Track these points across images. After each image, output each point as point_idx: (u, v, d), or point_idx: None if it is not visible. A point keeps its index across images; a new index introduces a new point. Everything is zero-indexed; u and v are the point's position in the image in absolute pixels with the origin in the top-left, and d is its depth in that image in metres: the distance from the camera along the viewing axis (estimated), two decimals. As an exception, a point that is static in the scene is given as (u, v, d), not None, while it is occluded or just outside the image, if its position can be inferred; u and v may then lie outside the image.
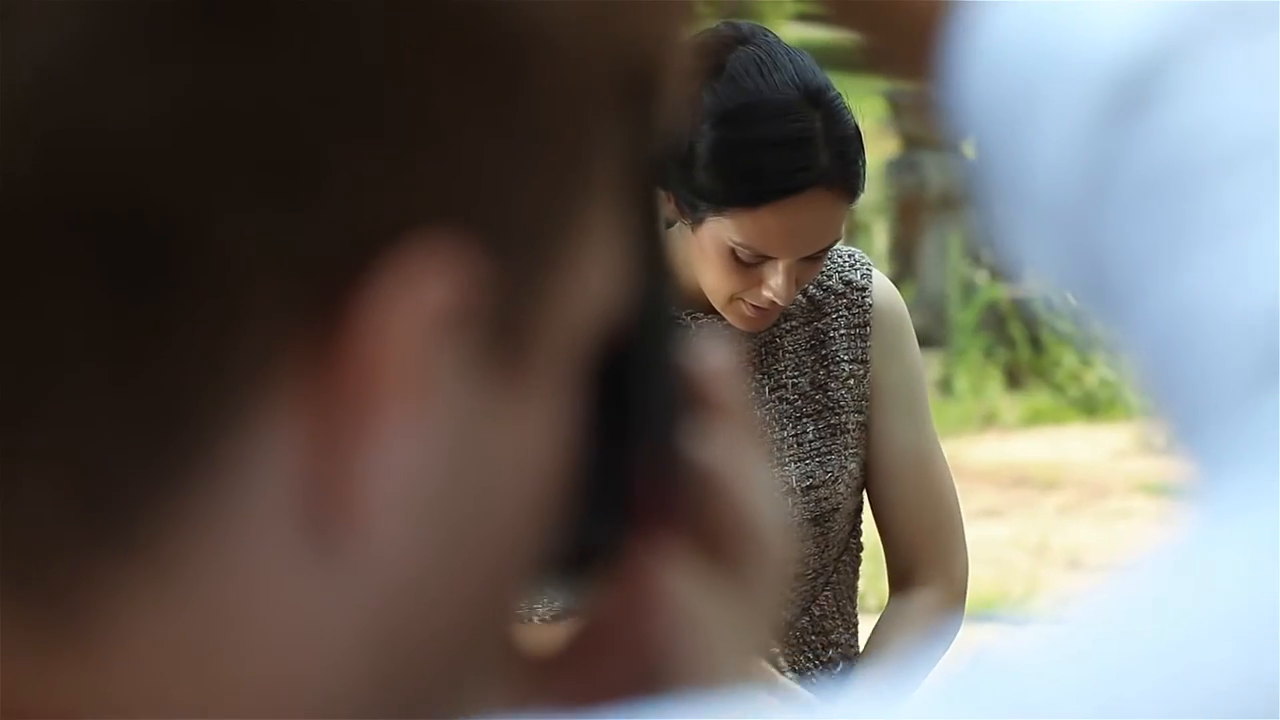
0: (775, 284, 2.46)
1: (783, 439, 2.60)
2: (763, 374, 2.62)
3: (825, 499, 2.60)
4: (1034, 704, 0.43)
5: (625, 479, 0.51)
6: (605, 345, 0.48)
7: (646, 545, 0.52)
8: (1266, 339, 0.50)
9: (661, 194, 0.51)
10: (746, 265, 2.47)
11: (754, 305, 2.50)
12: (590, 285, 0.47)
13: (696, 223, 2.48)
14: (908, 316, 2.72)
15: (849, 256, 2.69)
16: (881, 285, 2.69)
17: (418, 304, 0.43)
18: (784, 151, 2.41)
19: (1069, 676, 0.43)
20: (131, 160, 0.41)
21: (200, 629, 0.43)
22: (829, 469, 2.60)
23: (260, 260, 0.42)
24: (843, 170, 2.45)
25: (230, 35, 0.41)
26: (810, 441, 2.61)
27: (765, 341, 2.62)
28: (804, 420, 2.62)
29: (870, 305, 2.65)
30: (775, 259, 2.46)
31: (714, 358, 0.54)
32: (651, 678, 0.51)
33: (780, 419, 2.61)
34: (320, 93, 0.42)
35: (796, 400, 2.62)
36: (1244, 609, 0.44)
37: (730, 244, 2.46)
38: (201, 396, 0.42)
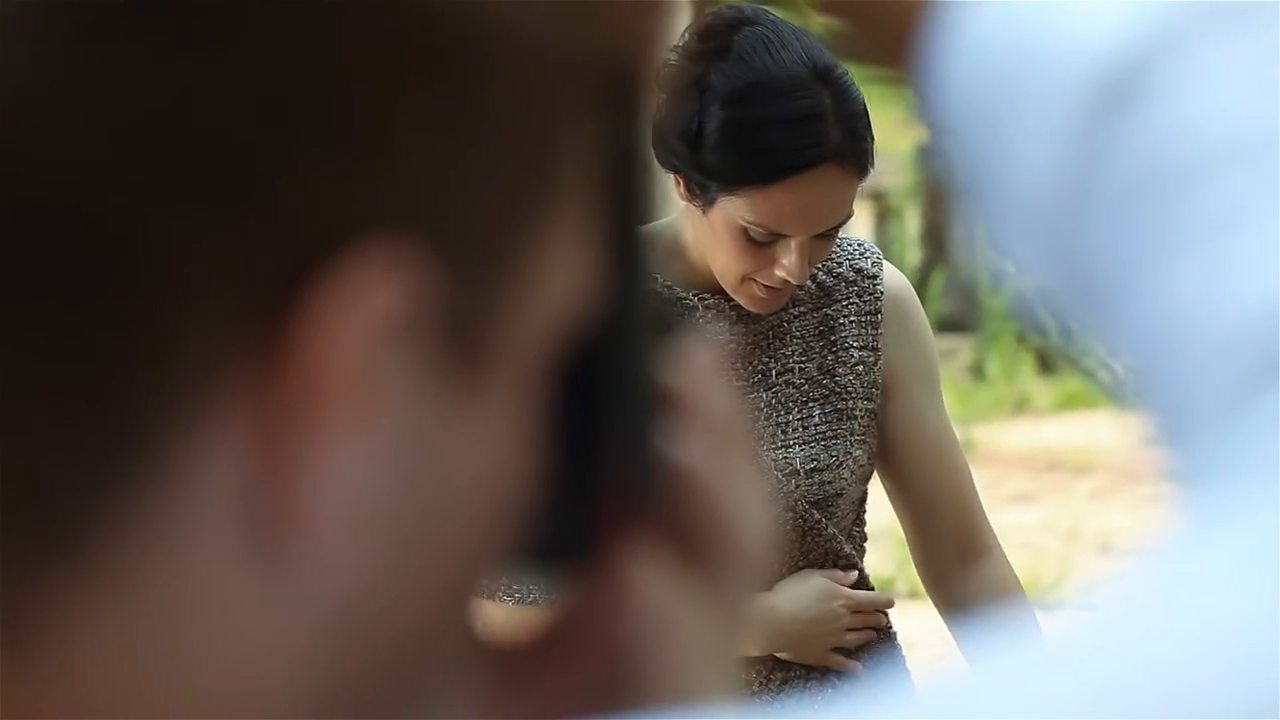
0: (788, 262, 2.47)
1: (788, 422, 2.62)
2: (770, 358, 2.63)
3: (829, 483, 2.61)
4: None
5: (598, 478, 0.50)
6: (573, 347, 0.47)
7: (619, 545, 0.51)
8: (1253, 344, 0.49)
9: (639, 193, 0.50)
10: (759, 245, 2.47)
11: (766, 285, 2.51)
12: (554, 289, 0.46)
13: (707, 204, 2.49)
14: (919, 304, 2.74)
15: (858, 245, 2.71)
16: (891, 274, 2.70)
17: (366, 312, 0.42)
18: (795, 128, 2.41)
19: (1059, 689, 0.43)
20: (71, 168, 0.40)
21: (150, 639, 0.43)
22: (834, 453, 2.61)
23: (203, 269, 0.41)
24: (853, 146, 2.45)
25: (172, 37, 0.40)
26: (816, 425, 2.62)
27: (773, 325, 2.63)
28: (810, 404, 2.63)
29: (881, 293, 2.66)
30: (788, 237, 2.47)
31: (696, 358, 0.53)
32: (621, 676, 0.51)
33: (787, 402, 2.62)
34: (264, 96, 0.41)
35: (803, 384, 2.63)
36: (1232, 617, 0.43)
37: (743, 223, 2.46)
38: (145, 407, 0.41)
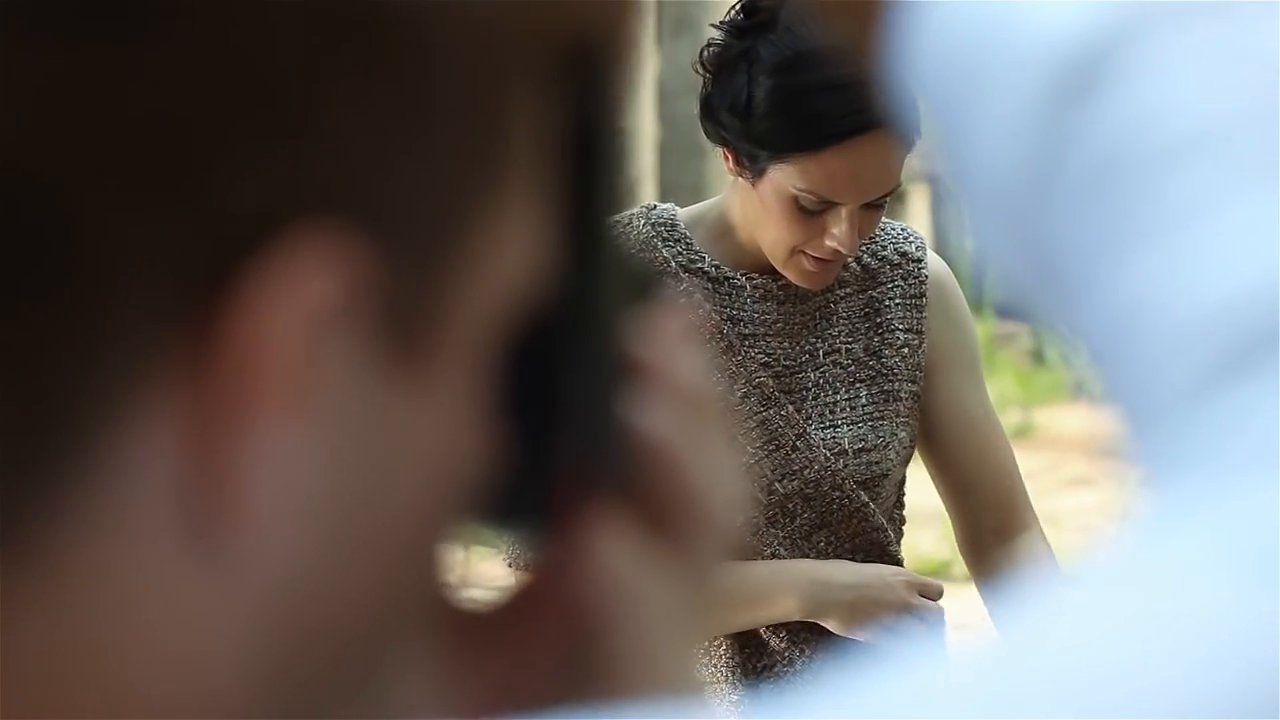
0: (839, 231, 2.48)
1: (835, 402, 2.63)
2: (817, 338, 2.64)
3: (876, 463, 2.62)
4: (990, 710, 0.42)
5: (557, 450, 0.50)
6: (528, 321, 0.47)
7: (581, 515, 0.51)
8: (1214, 338, 0.48)
9: (603, 165, 0.49)
10: (809, 214, 2.48)
11: (815, 257, 2.51)
12: (503, 269, 0.46)
13: (757, 175, 2.49)
14: (959, 289, 2.74)
15: (901, 229, 2.72)
16: (934, 258, 2.71)
17: (299, 300, 0.42)
18: (845, 93, 2.40)
19: (1010, 688, 0.43)
20: (4, 149, 0.40)
21: (90, 627, 0.42)
22: (880, 434, 2.62)
23: (134, 256, 0.40)
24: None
25: (101, 25, 0.40)
26: (863, 406, 2.63)
27: (820, 306, 2.64)
28: (857, 385, 2.64)
29: (926, 277, 2.67)
30: (838, 206, 2.47)
31: (666, 326, 0.53)
32: (584, 646, 0.51)
33: (834, 383, 2.63)
34: (195, 83, 0.40)
35: (850, 365, 2.64)
36: (1191, 613, 0.43)
37: (794, 191, 2.47)
38: (79, 396, 0.41)
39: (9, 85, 0.39)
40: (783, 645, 2.64)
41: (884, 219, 2.65)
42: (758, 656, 2.64)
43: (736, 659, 2.63)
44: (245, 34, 0.41)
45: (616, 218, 0.50)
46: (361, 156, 0.42)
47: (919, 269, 2.67)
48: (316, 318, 0.42)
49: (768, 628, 2.62)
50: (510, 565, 2.42)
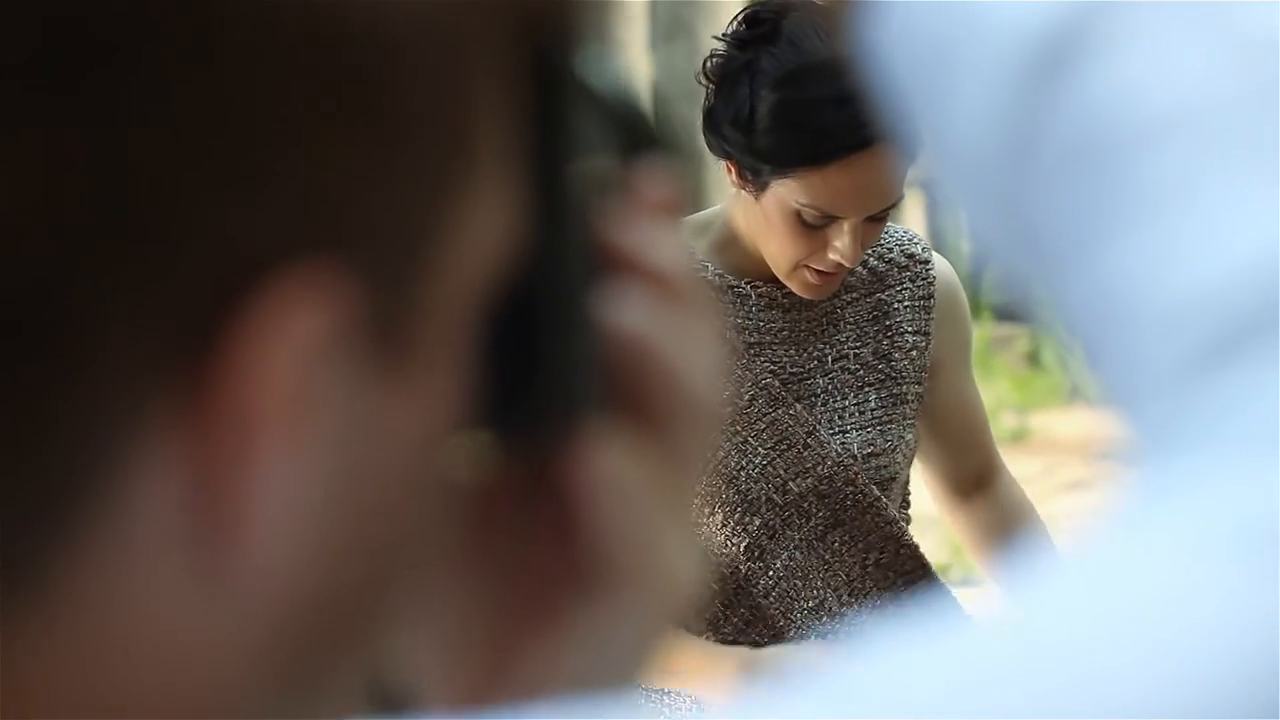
0: (841, 244, 2.49)
1: (844, 407, 2.64)
2: (825, 344, 2.65)
3: (885, 467, 2.64)
4: (967, 696, 0.43)
5: (542, 377, 0.51)
6: (503, 289, 0.48)
7: (574, 427, 0.51)
8: (1199, 322, 0.48)
9: (565, 131, 0.50)
10: (812, 228, 2.49)
11: (819, 271, 2.52)
12: (475, 254, 0.47)
13: (760, 189, 2.50)
14: (961, 286, 2.78)
15: (905, 232, 2.74)
16: (940, 260, 2.74)
17: (290, 335, 0.43)
18: (847, 108, 2.41)
19: (1001, 667, 0.43)
20: None
21: (102, 657, 0.44)
22: (889, 438, 2.64)
23: (125, 313, 0.42)
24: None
25: (75, 97, 0.41)
26: (872, 410, 2.65)
27: (827, 312, 2.65)
28: (866, 389, 2.66)
29: (934, 278, 2.70)
30: (841, 220, 2.49)
31: (638, 211, 0.53)
32: (584, 545, 0.51)
33: (843, 388, 2.65)
34: (170, 145, 0.41)
35: (859, 370, 2.66)
36: (1173, 609, 0.43)
37: (796, 206, 2.48)
38: (82, 445, 0.42)
39: None
40: (830, 584, 2.65)
41: (889, 228, 2.68)
42: (760, 625, 2.64)
43: (786, 593, 2.63)
44: (214, 96, 0.42)
45: (583, 167, 0.51)
46: (336, 190, 0.43)
47: (926, 270, 2.70)
48: (306, 349, 0.43)
49: (766, 597, 2.62)
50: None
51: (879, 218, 2.54)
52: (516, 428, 0.51)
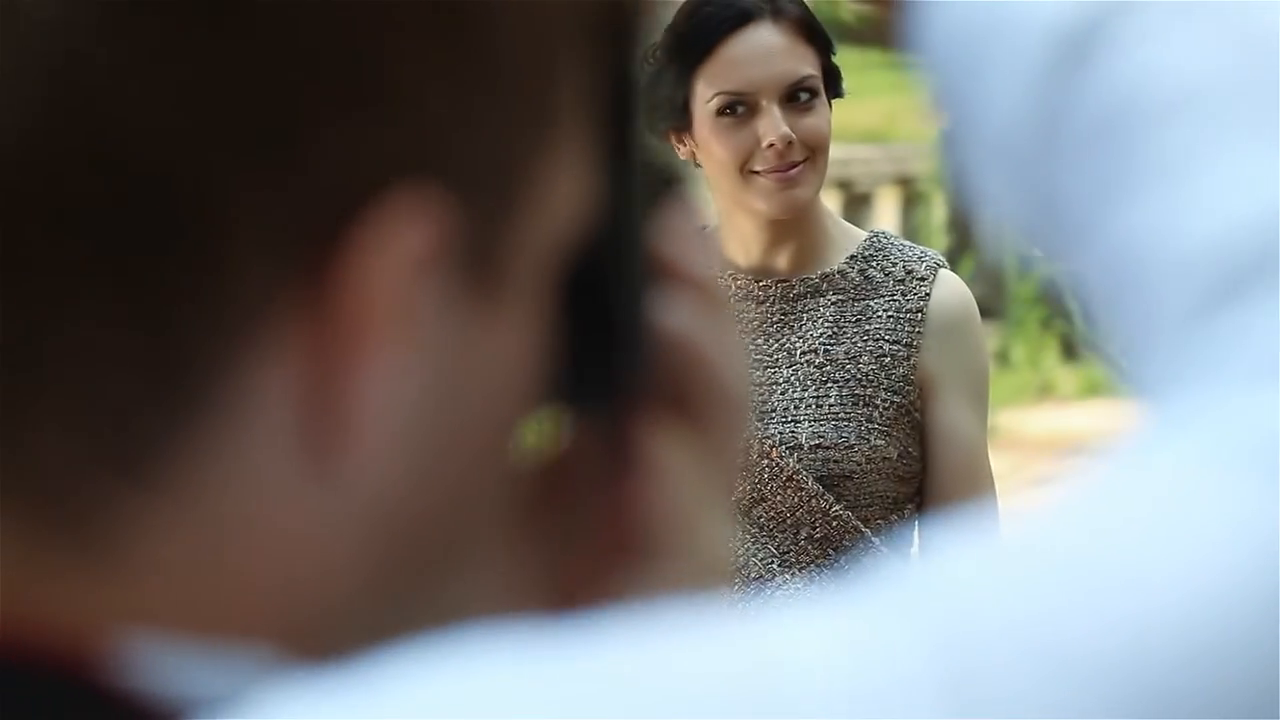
0: (764, 125, 2.64)
1: (802, 399, 2.72)
2: (797, 336, 2.73)
3: (836, 461, 2.69)
4: (977, 622, 0.46)
5: (612, 359, 0.55)
6: (579, 251, 0.53)
7: (628, 414, 0.55)
8: (1211, 266, 0.53)
9: (635, 108, 0.54)
10: (736, 122, 2.64)
11: (769, 172, 2.65)
12: (558, 208, 0.52)
13: (687, 125, 2.65)
14: (976, 318, 2.83)
15: (922, 252, 2.83)
16: (948, 282, 2.80)
17: (398, 249, 0.48)
18: (722, 2, 2.65)
19: (1008, 598, 0.46)
20: (138, 137, 0.46)
21: (213, 541, 0.49)
22: (844, 434, 2.69)
23: (253, 218, 0.47)
24: (776, 2, 2.68)
25: (215, 27, 0.46)
26: (830, 405, 2.71)
27: (809, 308, 2.74)
28: (828, 384, 2.73)
29: (927, 295, 2.76)
30: (758, 104, 2.63)
31: (680, 223, 0.57)
32: (635, 520, 0.55)
33: (805, 380, 2.72)
34: (298, 72, 0.47)
35: (825, 365, 2.73)
36: (1185, 521, 0.47)
37: (713, 107, 2.65)
38: (205, 339, 0.47)
39: (143, 83, 0.46)
40: (756, 555, 2.70)
41: (908, 244, 2.77)
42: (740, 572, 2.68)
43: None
44: (338, 28, 0.47)
45: (648, 147, 0.56)
46: (440, 121, 0.49)
47: (920, 286, 2.77)
48: (412, 264, 0.48)
49: (744, 535, 2.67)
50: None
51: (800, 105, 2.67)
52: (586, 399, 0.55)
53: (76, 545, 0.48)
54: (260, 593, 0.49)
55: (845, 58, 2.79)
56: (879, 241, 2.84)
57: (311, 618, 0.50)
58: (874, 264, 2.77)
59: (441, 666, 0.45)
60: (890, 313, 2.77)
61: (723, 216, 2.72)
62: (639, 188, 0.55)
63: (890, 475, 2.75)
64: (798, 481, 2.69)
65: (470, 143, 0.49)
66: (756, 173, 2.67)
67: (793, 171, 2.68)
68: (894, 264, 2.79)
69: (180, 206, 0.46)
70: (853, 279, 2.76)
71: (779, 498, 2.70)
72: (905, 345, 2.76)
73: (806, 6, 2.74)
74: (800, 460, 2.69)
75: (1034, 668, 0.45)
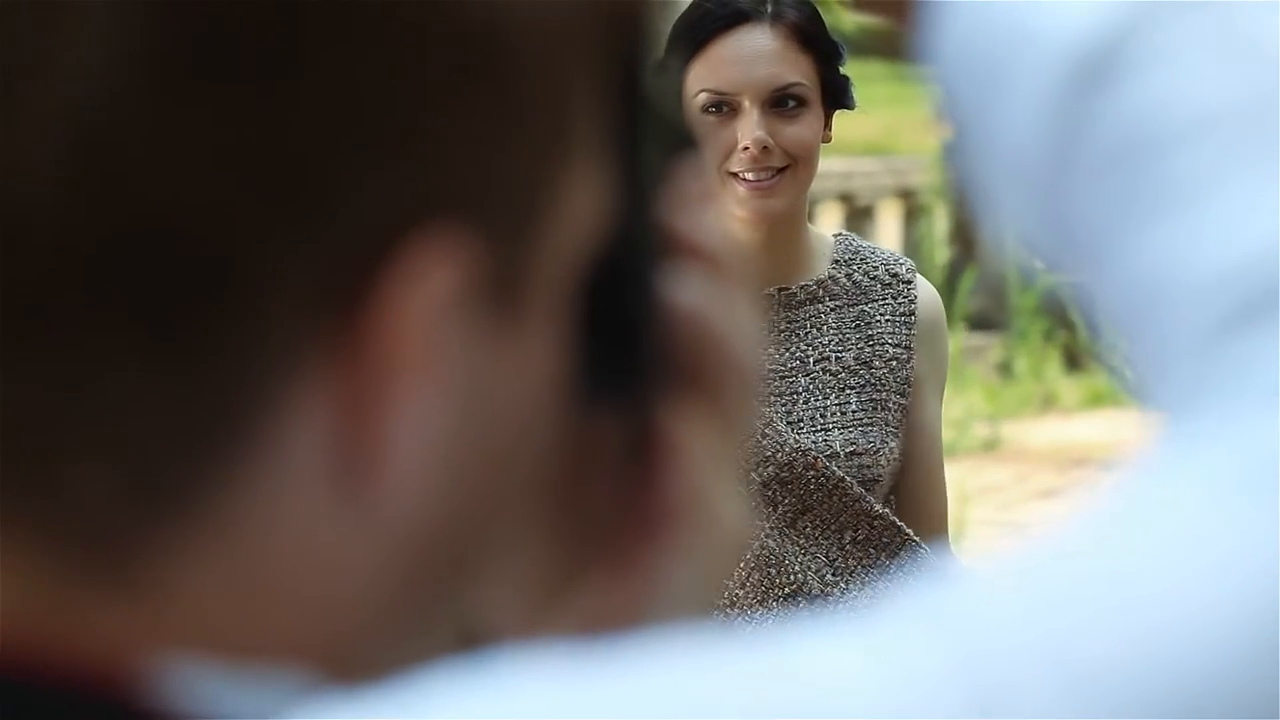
0: (744, 129, 2.65)
1: (826, 407, 2.73)
2: (808, 345, 2.75)
3: (868, 468, 2.71)
4: (998, 641, 0.47)
5: (636, 358, 0.55)
6: (596, 261, 0.54)
7: (651, 400, 0.56)
8: (1227, 292, 0.54)
9: (645, 122, 0.55)
10: (719, 119, 2.65)
11: (743, 176, 2.65)
12: (576, 226, 0.53)
13: None
14: (945, 316, 2.90)
15: (892, 254, 2.88)
16: (924, 284, 2.86)
17: (427, 290, 0.49)
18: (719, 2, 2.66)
19: (1030, 615, 0.47)
20: (168, 186, 0.47)
21: (248, 572, 0.49)
22: (871, 439, 2.71)
23: (286, 267, 0.48)
24: (775, 7, 2.68)
25: (245, 85, 0.47)
26: (853, 411, 2.73)
27: (810, 315, 2.75)
28: (847, 391, 2.75)
29: (915, 298, 2.81)
30: (739, 101, 2.65)
31: (690, 195, 0.57)
32: (657, 499, 0.56)
33: (825, 388, 2.74)
34: (327, 127, 0.48)
35: (840, 372, 2.75)
36: (1198, 542, 0.48)
37: (699, 102, 2.66)
38: (240, 383, 0.48)
39: (176, 142, 0.47)
40: (809, 567, 2.69)
41: (872, 245, 2.80)
42: (783, 577, 2.68)
43: (761, 581, 2.68)
44: (364, 84, 0.48)
45: (658, 171, 0.56)
46: (464, 161, 0.50)
47: (908, 289, 2.80)
48: (440, 303, 0.49)
49: (742, 587, 2.67)
50: None
51: (786, 111, 2.67)
52: (606, 392, 0.56)
53: (114, 579, 0.49)
54: (294, 618, 0.50)
55: (847, 69, 2.79)
56: (849, 244, 2.87)
57: (344, 640, 0.51)
58: (855, 268, 2.80)
59: (474, 685, 0.46)
60: (886, 316, 2.79)
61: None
62: (650, 189, 0.56)
63: (895, 472, 2.79)
64: (843, 488, 2.70)
65: (491, 177, 0.50)
66: (734, 175, 2.67)
67: (768, 182, 2.67)
68: (873, 267, 2.82)
69: (215, 260, 0.47)
70: (843, 284, 2.78)
71: (824, 506, 2.70)
72: (904, 348, 2.79)
73: (816, 15, 2.73)
74: (839, 467, 2.70)
75: (1052, 686, 0.46)
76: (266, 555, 0.50)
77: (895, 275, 2.82)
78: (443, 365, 0.50)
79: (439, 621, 0.53)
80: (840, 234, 2.91)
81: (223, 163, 0.47)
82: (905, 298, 2.81)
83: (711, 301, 0.57)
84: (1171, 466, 0.51)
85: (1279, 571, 0.47)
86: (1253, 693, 0.46)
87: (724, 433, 0.57)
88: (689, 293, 0.57)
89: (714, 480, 0.56)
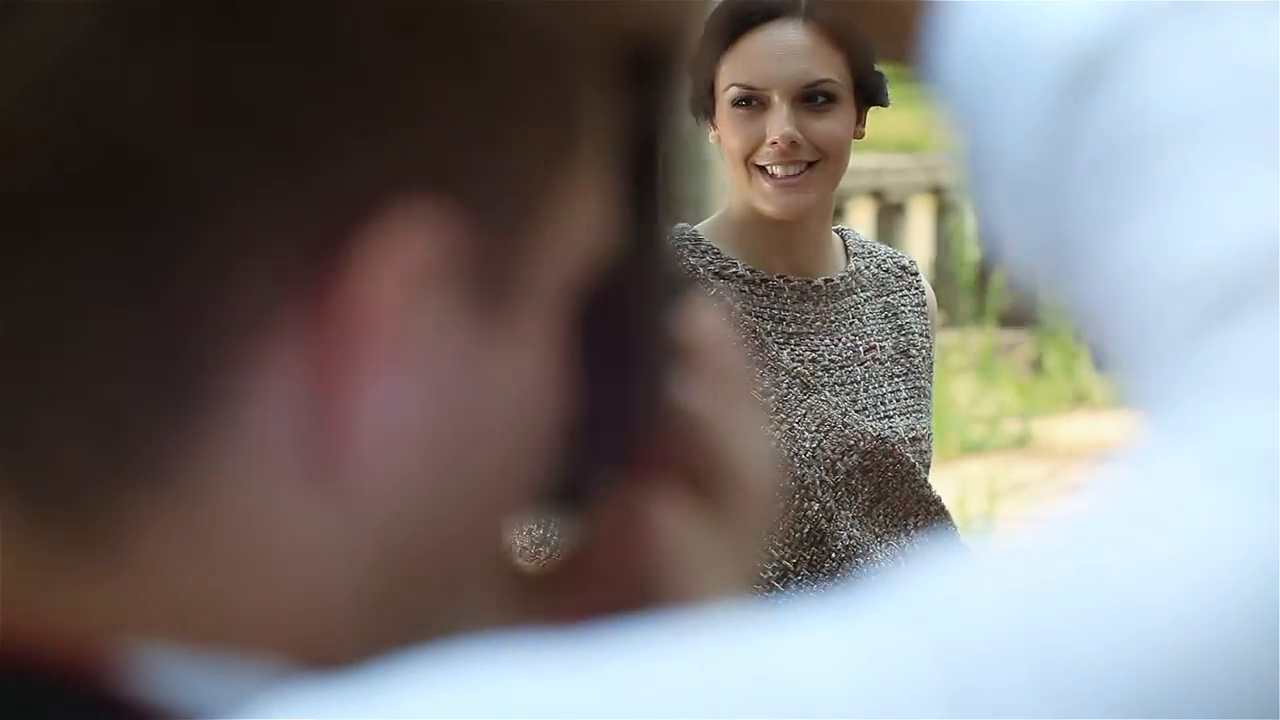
0: (773, 123, 2.65)
1: (883, 394, 2.76)
2: (855, 335, 2.77)
3: (924, 452, 2.76)
4: (984, 636, 0.47)
5: (620, 419, 0.55)
6: (594, 290, 0.53)
7: (638, 480, 0.56)
8: (1208, 285, 0.54)
9: (663, 156, 0.55)
10: (749, 113, 2.66)
11: (772, 172, 2.66)
12: (574, 235, 0.52)
13: (711, 112, 2.69)
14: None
15: (890, 250, 2.93)
16: (924, 276, 2.93)
17: (402, 260, 0.48)
18: None
19: (1009, 609, 0.47)
20: (148, 131, 0.47)
21: (216, 548, 0.49)
22: (925, 425, 2.78)
23: (258, 223, 0.48)
24: (810, 2, 2.67)
25: (232, 29, 0.47)
26: (904, 399, 2.77)
27: (851, 306, 2.78)
28: (895, 379, 2.79)
29: (924, 289, 2.87)
30: (769, 96, 2.65)
31: (705, 315, 0.58)
32: (639, 602, 0.56)
33: (878, 377, 2.77)
34: (309, 78, 0.47)
35: (886, 362, 2.78)
36: (1182, 535, 0.48)
37: (731, 95, 2.67)
38: (209, 345, 0.48)
39: (157, 81, 0.47)
40: (886, 555, 2.71)
41: (873, 242, 2.82)
42: (826, 549, 2.69)
43: (804, 553, 2.69)
44: (351, 37, 0.48)
45: (669, 211, 0.56)
46: (453, 137, 0.49)
47: (918, 281, 2.87)
48: (416, 277, 0.49)
49: (831, 577, 2.68)
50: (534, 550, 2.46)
51: (816, 107, 2.68)
52: (598, 440, 0.55)
53: (80, 547, 0.49)
54: (261, 601, 0.50)
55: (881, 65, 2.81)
56: (855, 238, 2.90)
57: (313, 627, 0.50)
58: (869, 261, 2.84)
59: (443, 676, 0.46)
60: (909, 307, 2.84)
61: (735, 204, 2.76)
62: (661, 224, 0.55)
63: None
64: (914, 475, 2.73)
65: (481, 163, 0.50)
66: (762, 169, 2.69)
67: (796, 177, 2.69)
68: (882, 259, 2.87)
69: (184, 211, 0.47)
70: (867, 276, 2.82)
71: (896, 494, 2.73)
72: (925, 336, 2.84)
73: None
74: (909, 454, 2.73)
75: (1038, 681, 0.46)
76: (232, 532, 0.49)
77: (904, 268, 2.87)
78: (416, 341, 0.49)
79: (417, 613, 0.52)
80: (840, 228, 2.92)
81: (194, 107, 0.47)
82: (917, 289, 2.86)
83: (719, 411, 0.57)
84: (1155, 460, 0.51)
85: (1261, 563, 0.47)
86: (1236, 684, 0.46)
87: (722, 538, 0.57)
88: (697, 397, 0.57)
89: (698, 579, 0.56)
